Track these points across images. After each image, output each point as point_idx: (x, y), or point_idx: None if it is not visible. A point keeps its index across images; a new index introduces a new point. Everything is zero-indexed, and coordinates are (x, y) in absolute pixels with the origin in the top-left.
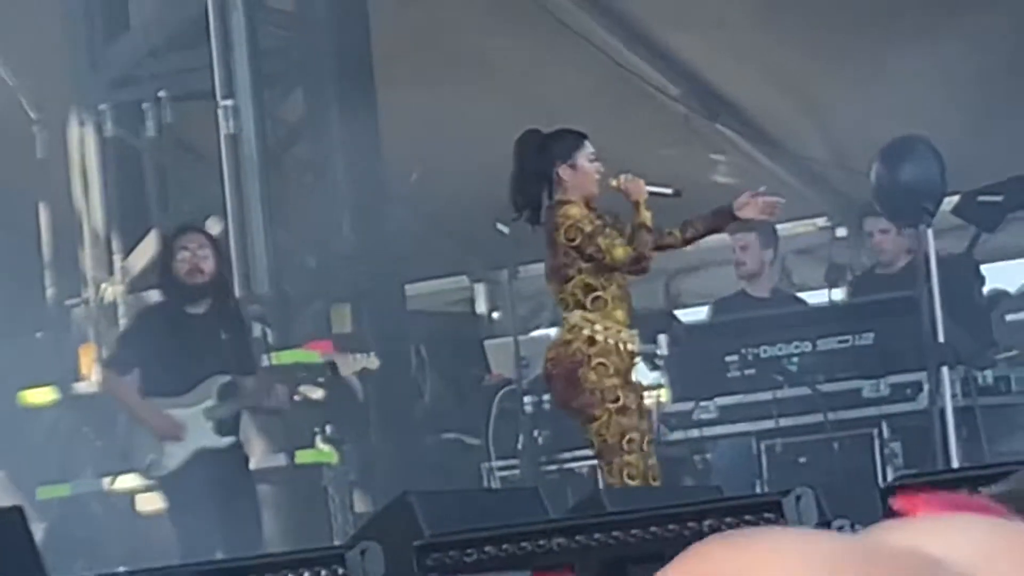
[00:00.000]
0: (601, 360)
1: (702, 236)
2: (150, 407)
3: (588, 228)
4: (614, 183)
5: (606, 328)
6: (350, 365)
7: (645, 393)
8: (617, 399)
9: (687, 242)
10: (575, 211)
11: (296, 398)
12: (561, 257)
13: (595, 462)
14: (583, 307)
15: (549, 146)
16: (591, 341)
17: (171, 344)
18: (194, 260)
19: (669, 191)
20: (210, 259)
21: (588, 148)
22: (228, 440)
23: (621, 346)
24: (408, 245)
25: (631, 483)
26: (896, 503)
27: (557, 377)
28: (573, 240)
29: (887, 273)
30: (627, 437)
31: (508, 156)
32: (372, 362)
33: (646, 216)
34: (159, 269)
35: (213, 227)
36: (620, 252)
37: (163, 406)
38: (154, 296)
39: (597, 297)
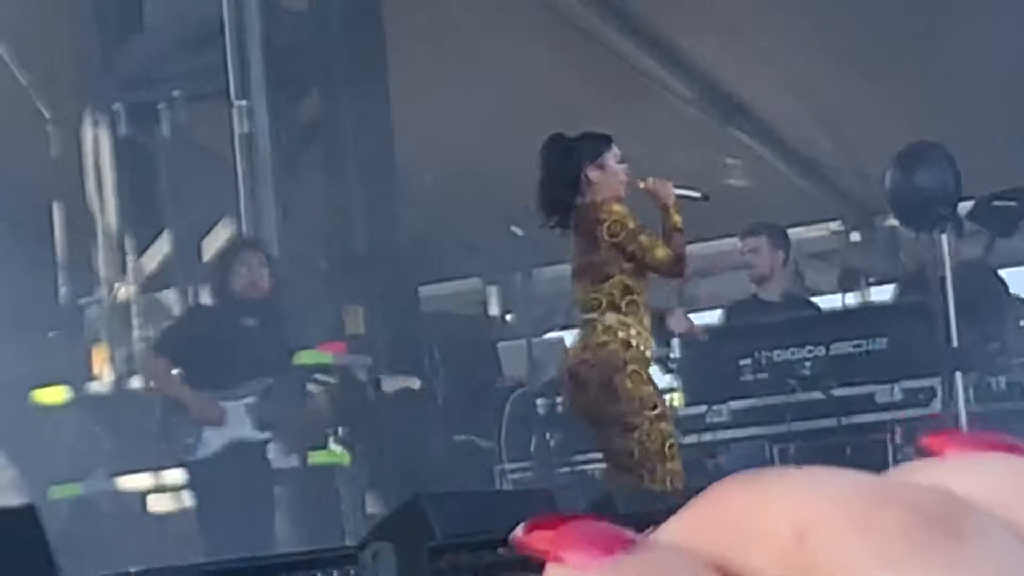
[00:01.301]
0: (635, 367)
1: None
2: (193, 391)
3: (632, 225)
4: (642, 184)
5: (639, 333)
6: (393, 384)
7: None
8: (655, 406)
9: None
10: (618, 208)
11: (309, 399)
12: (603, 254)
13: (604, 464)
14: (618, 310)
15: (576, 149)
16: (627, 346)
17: (219, 347)
18: (252, 277)
19: (698, 195)
20: (266, 278)
21: (615, 149)
22: (264, 435)
23: (649, 353)
24: (422, 247)
25: (678, 488)
26: (924, 443)
27: (590, 382)
28: (616, 236)
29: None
30: (668, 443)
31: (521, 158)
32: (414, 382)
33: (677, 219)
34: (215, 280)
35: (226, 228)
36: (661, 252)
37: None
38: (203, 299)
39: (632, 301)
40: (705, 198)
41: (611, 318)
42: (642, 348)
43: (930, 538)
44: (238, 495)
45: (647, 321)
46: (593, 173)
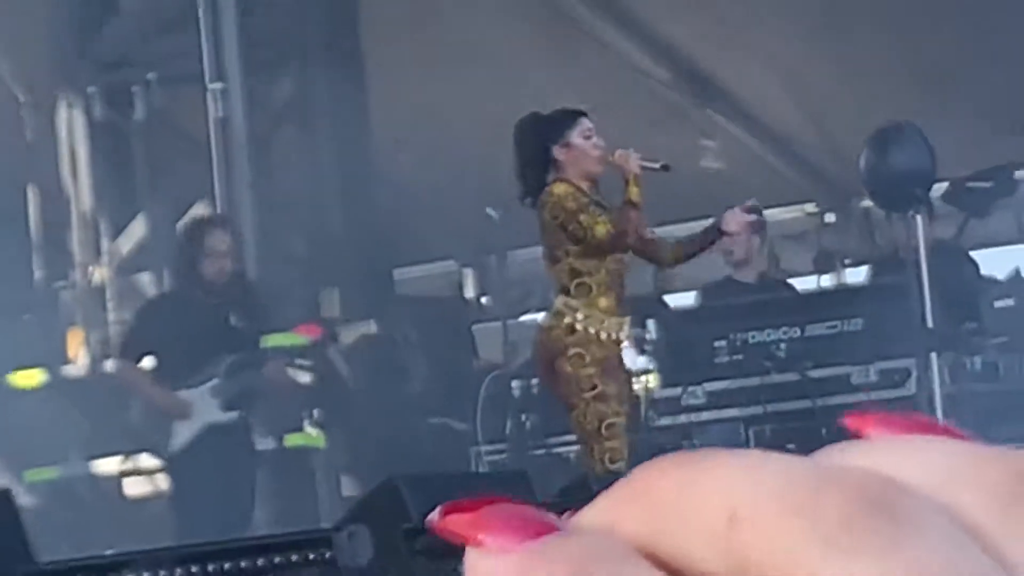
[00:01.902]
0: (578, 350)
1: (693, 255)
2: (158, 388)
3: (571, 205)
4: (609, 158)
5: (587, 316)
6: (351, 334)
7: (635, 379)
8: (594, 387)
9: (677, 262)
10: (559, 189)
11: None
12: (550, 238)
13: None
14: (567, 292)
15: (543, 128)
16: (570, 330)
17: (183, 330)
18: (219, 259)
19: (657, 165)
20: (232, 258)
21: (583, 125)
22: (233, 415)
23: (603, 335)
24: (397, 230)
25: (612, 467)
26: (846, 422)
27: (539, 364)
28: (557, 218)
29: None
30: (605, 423)
31: (497, 141)
32: (371, 327)
33: (633, 192)
34: (182, 263)
35: (200, 211)
36: (602, 229)
37: (174, 388)
38: (159, 284)
39: (581, 283)
40: (665, 168)
41: (559, 302)
42: (592, 331)
43: (870, 523)
44: (215, 480)
45: (605, 302)
46: (559, 152)
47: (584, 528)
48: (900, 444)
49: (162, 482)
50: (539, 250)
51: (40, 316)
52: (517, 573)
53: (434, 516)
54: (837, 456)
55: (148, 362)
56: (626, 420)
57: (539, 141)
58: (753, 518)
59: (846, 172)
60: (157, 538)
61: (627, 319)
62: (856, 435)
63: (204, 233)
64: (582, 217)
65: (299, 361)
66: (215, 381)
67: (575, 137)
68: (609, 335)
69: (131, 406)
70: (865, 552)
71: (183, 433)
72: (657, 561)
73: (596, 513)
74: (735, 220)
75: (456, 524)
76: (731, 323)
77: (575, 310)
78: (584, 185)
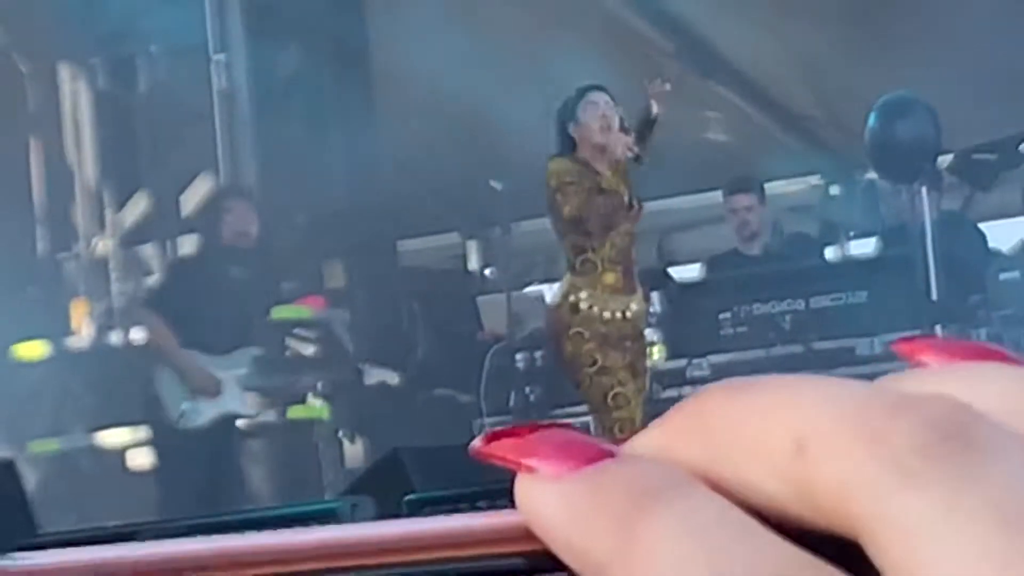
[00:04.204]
0: (579, 329)
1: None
2: (191, 358)
3: (553, 183)
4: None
5: (591, 295)
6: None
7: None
8: (595, 361)
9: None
10: (552, 164)
11: (288, 353)
12: (551, 214)
13: (588, 419)
14: (573, 270)
15: (563, 109)
16: (574, 309)
17: (210, 301)
18: (240, 225)
19: (631, 154)
20: (255, 224)
21: (588, 99)
22: (253, 412)
23: (608, 314)
24: (401, 201)
25: (622, 437)
26: (899, 348)
27: (548, 342)
28: (549, 197)
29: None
30: (611, 394)
31: (500, 112)
32: (392, 377)
33: (608, 179)
34: (202, 229)
35: (204, 183)
36: (566, 211)
37: (201, 361)
38: (189, 249)
39: (586, 260)
40: (636, 158)
41: (565, 280)
42: (596, 309)
43: (946, 450)
44: (214, 463)
45: (611, 278)
46: (573, 129)
47: (641, 454)
48: (962, 370)
49: (161, 455)
50: (542, 222)
51: (43, 288)
52: (572, 500)
53: (477, 442)
54: (898, 383)
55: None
56: (638, 389)
57: (561, 123)
58: (821, 445)
59: (851, 144)
60: (160, 510)
61: (635, 295)
62: (911, 362)
63: (224, 199)
64: (558, 196)
65: (303, 333)
66: (244, 371)
67: (580, 112)
68: (614, 313)
69: (146, 369)
70: (938, 481)
71: (207, 412)
72: (717, 488)
73: (651, 439)
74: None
75: (504, 449)
76: (736, 295)
77: (580, 289)
78: (596, 159)
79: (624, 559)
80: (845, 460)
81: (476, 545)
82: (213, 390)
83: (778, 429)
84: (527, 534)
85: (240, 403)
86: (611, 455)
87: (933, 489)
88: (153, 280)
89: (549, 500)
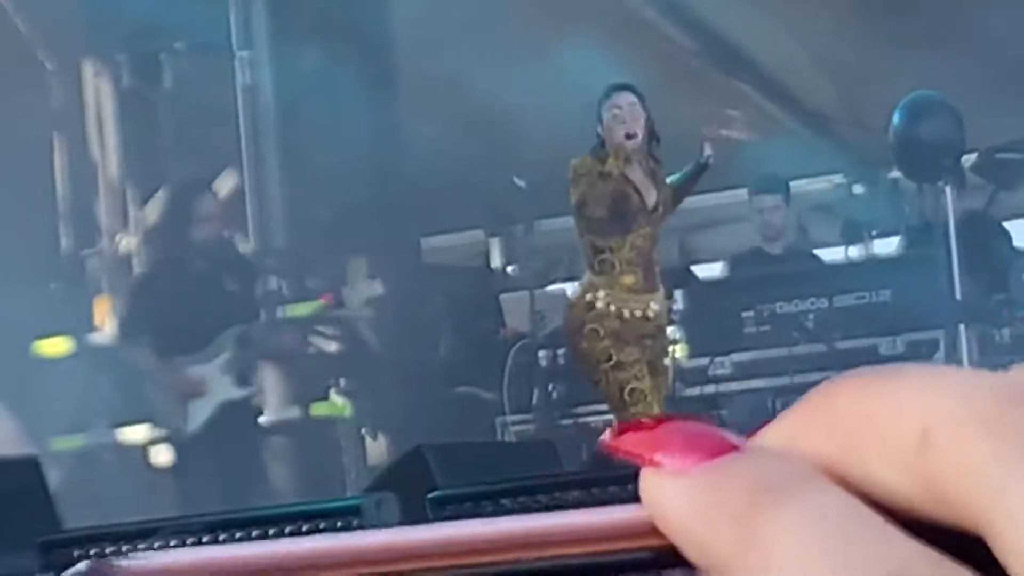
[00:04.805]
0: (593, 326)
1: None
2: (166, 369)
3: (570, 175)
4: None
5: (608, 295)
6: (360, 293)
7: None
8: (610, 357)
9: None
10: (573, 162)
11: (310, 350)
12: (574, 213)
13: (610, 416)
14: (592, 269)
15: (597, 111)
16: (589, 307)
17: (178, 303)
18: (210, 225)
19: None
20: (221, 220)
21: (611, 99)
22: (248, 390)
23: (627, 312)
24: (424, 199)
25: None
26: None
27: (566, 338)
28: (572, 194)
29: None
30: (627, 389)
31: (524, 109)
32: (376, 288)
33: (610, 163)
34: (166, 228)
35: (228, 180)
36: (573, 198)
37: (182, 365)
38: (154, 258)
39: (604, 260)
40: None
41: (585, 279)
42: (612, 308)
43: None
44: (231, 454)
45: (630, 279)
46: (601, 130)
47: (764, 448)
48: None
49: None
50: (566, 220)
51: (67, 284)
52: (694, 495)
53: (607, 436)
54: None
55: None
56: (657, 386)
57: (598, 124)
58: (946, 433)
59: (874, 143)
60: (183, 507)
61: (655, 295)
62: None
63: (191, 197)
64: (572, 188)
65: (324, 329)
66: (225, 355)
67: (603, 112)
68: (633, 313)
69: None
70: None
71: (200, 412)
72: (842, 482)
73: (778, 432)
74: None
75: (633, 443)
76: (759, 294)
77: (597, 288)
78: (617, 157)
79: (745, 554)
80: (968, 451)
81: (601, 541)
82: (196, 389)
83: (904, 421)
84: (652, 529)
85: (230, 388)
86: (736, 449)
87: None
88: (124, 302)
89: (672, 495)
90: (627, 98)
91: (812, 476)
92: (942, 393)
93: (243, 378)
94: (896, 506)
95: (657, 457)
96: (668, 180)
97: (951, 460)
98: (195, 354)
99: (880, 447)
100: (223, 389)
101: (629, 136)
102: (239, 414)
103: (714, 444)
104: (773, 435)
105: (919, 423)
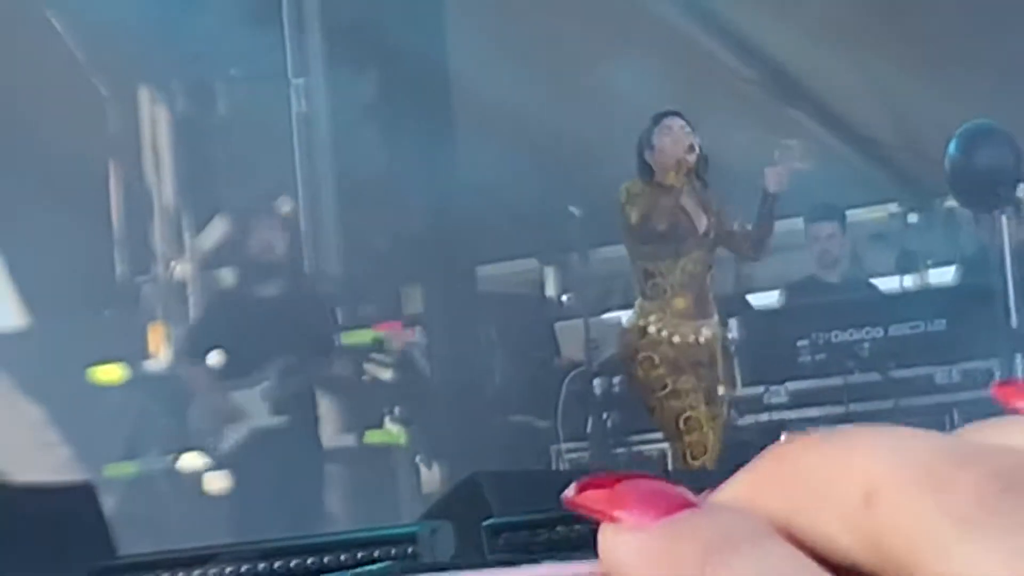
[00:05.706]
0: (647, 354)
1: (766, 234)
2: (215, 390)
3: (623, 198)
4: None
5: (660, 319)
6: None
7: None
8: (665, 386)
9: (754, 249)
10: (626, 185)
11: (365, 378)
12: (624, 239)
13: (664, 445)
14: (644, 295)
15: (640, 138)
16: (643, 333)
17: (242, 329)
18: (266, 241)
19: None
20: (281, 240)
21: (663, 124)
22: (283, 419)
23: (678, 338)
24: (479, 227)
25: (694, 463)
26: (995, 393)
27: (621, 365)
28: (624, 218)
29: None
30: (682, 418)
31: (580, 138)
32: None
33: (670, 176)
34: (231, 250)
35: (283, 207)
36: (632, 214)
37: (229, 388)
38: (225, 280)
39: (655, 284)
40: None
41: (637, 304)
42: (664, 334)
43: (1007, 502)
44: (274, 481)
45: (682, 303)
46: (650, 157)
47: (721, 504)
48: None
49: (238, 478)
50: (620, 248)
51: (121, 311)
52: (649, 550)
53: (570, 491)
54: (982, 432)
55: (216, 358)
56: (713, 416)
57: (639, 152)
58: (889, 496)
59: (930, 172)
60: (237, 534)
61: (709, 320)
62: (1007, 408)
63: (254, 225)
64: (626, 208)
65: (380, 357)
66: (266, 384)
67: (657, 139)
68: (685, 338)
69: (189, 406)
70: (1000, 532)
71: (231, 436)
72: (794, 539)
73: (735, 489)
74: (776, 178)
75: (592, 500)
76: (814, 323)
77: (649, 313)
78: (679, 171)
79: None
80: (911, 511)
81: None
82: (234, 416)
83: (850, 479)
84: None
85: (261, 416)
86: (693, 505)
87: (992, 538)
88: (190, 322)
89: (630, 550)
90: (677, 121)
91: (764, 532)
92: (890, 453)
93: (279, 406)
94: (844, 563)
95: (616, 513)
96: (749, 227)
97: (895, 519)
98: (241, 379)
99: (828, 505)
100: (257, 415)
101: (688, 149)
102: (295, 441)
103: (671, 501)
104: (729, 492)
105: (866, 482)
